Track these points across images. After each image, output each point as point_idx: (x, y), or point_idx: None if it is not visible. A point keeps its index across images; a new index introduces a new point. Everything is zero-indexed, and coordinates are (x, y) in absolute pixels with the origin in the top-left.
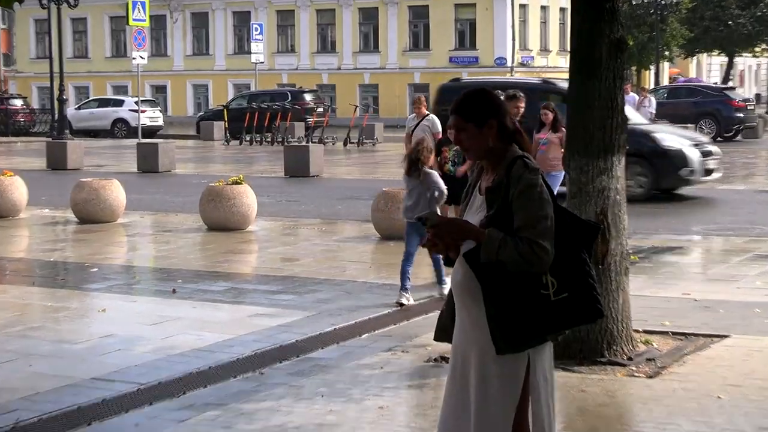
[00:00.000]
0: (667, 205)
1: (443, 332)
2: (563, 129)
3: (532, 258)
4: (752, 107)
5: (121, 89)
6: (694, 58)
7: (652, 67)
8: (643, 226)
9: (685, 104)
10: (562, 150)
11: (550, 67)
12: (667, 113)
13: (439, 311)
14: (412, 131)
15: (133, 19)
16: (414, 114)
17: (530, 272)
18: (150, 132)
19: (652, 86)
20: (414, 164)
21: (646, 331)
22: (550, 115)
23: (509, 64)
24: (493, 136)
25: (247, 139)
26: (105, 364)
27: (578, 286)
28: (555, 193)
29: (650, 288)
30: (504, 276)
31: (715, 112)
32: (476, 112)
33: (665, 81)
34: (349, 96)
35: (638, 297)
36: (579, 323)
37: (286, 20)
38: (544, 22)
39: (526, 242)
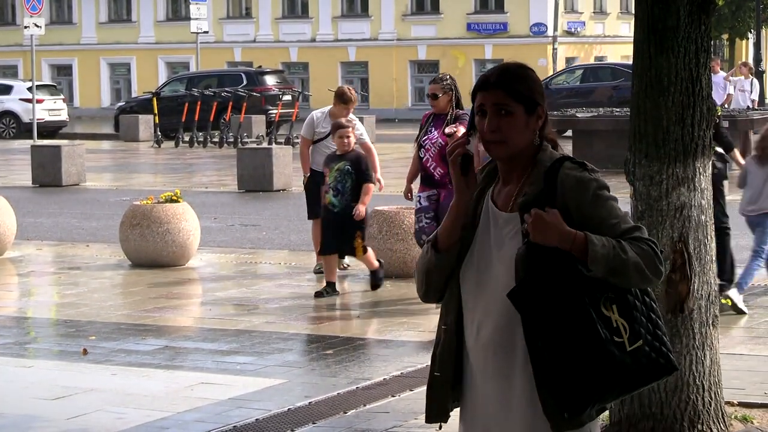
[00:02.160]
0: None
1: (442, 410)
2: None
3: (657, 265)
4: None
5: (8, 70)
6: None
7: (751, 36)
8: (736, 255)
9: None
10: None
11: (608, 36)
12: None
13: (427, 381)
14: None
15: None
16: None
17: (591, 317)
18: (50, 130)
19: (751, 62)
20: None
21: (743, 404)
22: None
23: (550, 32)
24: (537, 130)
25: (186, 139)
26: None
27: (647, 329)
28: None
29: (748, 344)
30: (561, 322)
31: None
32: (528, 91)
33: None
34: (328, 79)
35: (732, 356)
36: (650, 381)
37: None
38: None
39: (644, 244)
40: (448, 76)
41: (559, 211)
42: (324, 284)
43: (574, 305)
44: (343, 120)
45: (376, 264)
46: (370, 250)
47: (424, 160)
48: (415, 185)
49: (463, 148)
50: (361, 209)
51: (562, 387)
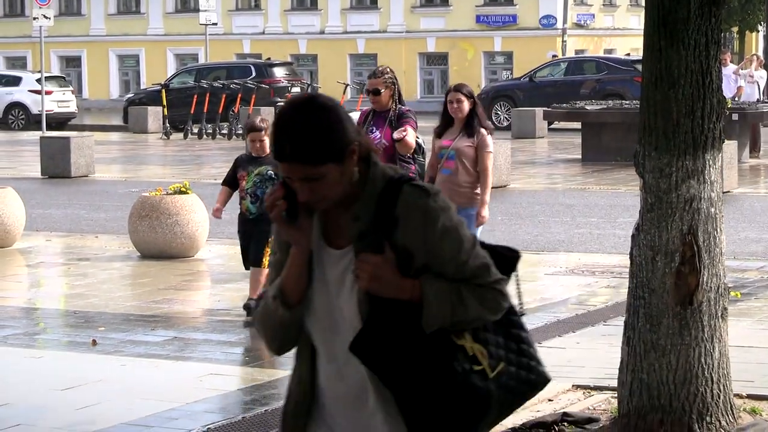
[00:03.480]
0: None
1: None
2: (487, 129)
3: (500, 310)
4: None
5: (17, 62)
6: None
7: (761, 28)
8: (745, 248)
9: None
10: (485, 171)
11: (617, 29)
12: None
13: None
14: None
15: None
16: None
17: (444, 351)
18: (59, 122)
19: (762, 54)
20: None
21: (752, 396)
22: (465, 106)
23: (560, 25)
24: (356, 163)
25: (195, 131)
26: None
27: (509, 348)
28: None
29: (758, 336)
30: (413, 367)
31: None
32: (331, 146)
33: None
34: (337, 71)
35: (741, 349)
36: (524, 400)
37: None
38: None
39: (489, 291)
40: (389, 69)
41: (400, 246)
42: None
43: (421, 346)
44: (256, 121)
45: (260, 292)
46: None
47: None
48: None
49: (284, 202)
50: None
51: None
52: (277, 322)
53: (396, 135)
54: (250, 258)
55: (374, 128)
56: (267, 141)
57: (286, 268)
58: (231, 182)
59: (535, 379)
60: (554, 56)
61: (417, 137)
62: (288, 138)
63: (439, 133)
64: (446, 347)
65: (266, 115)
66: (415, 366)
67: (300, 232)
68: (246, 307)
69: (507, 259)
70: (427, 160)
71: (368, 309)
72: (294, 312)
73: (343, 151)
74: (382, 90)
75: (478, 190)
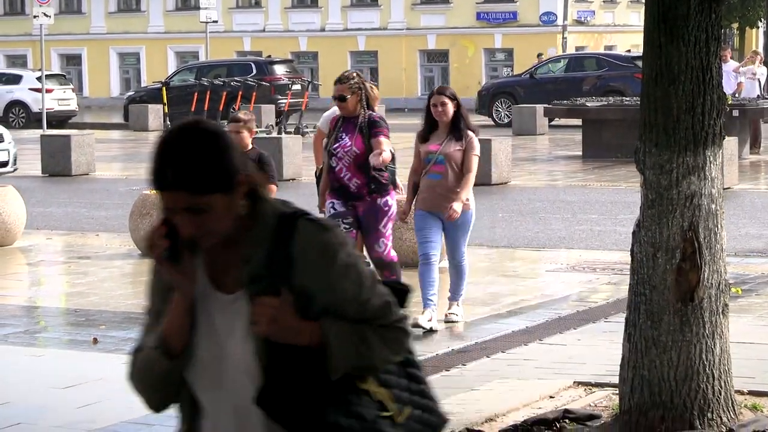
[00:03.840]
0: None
1: None
2: (473, 133)
3: (405, 351)
4: None
5: (17, 60)
6: None
7: (761, 25)
8: (745, 244)
9: None
10: (470, 173)
11: (617, 26)
12: None
13: None
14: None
15: None
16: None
17: (351, 398)
18: (59, 120)
19: (762, 51)
20: None
21: (753, 393)
22: (450, 108)
23: (560, 21)
24: (243, 196)
25: None
26: None
27: (411, 389)
28: (464, 246)
29: (759, 333)
30: (323, 414)
31: None
32: (219, 174)
33: None
34: (338, 68)
35: (742, 345)
36: None
37: None
38: None
39: (393, 331)
40: (355, 75)
41: (298, 288)
42: None
43: (327, 393)
44: (241, 114)
45: None
46: None
47: (336, 169)
48: None
49: (166, 240)
50: None
51: None
52: (157, 375)
53: (373, 161)
54: None
55: (344, 135)
56: (245, 134)
57: (169, 314)
58: None
59: (436, 422)
60: (540, 56)
61: (390, 147)
62: (171, 163)
63: (423, 137)
64: (352, 393)
65: (268, 113)
66: (322, 415)
67: (184, 274)
68: None
69: (398, 293)
70: (410, 165)
71: (267, 357)
72: (177, 363)
73: (232, 181)
74: (348, 96)
75: (470, 196)
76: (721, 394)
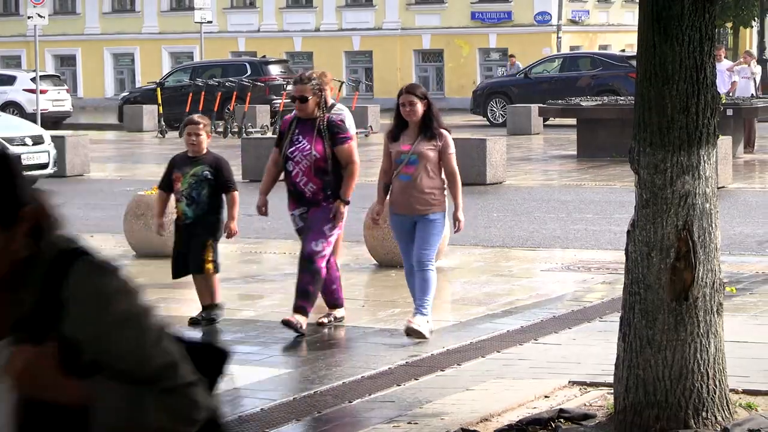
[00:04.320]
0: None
1: None
2: (445, 132)
3: (190, 420)
4: None
5: (11, 61)
6: None
7: (755, 24)
8: (740, 243)
9: None
10: (455, 174)
11: (612, 25)
12: None
13: None
14: None
15: None
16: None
17: None
18: (54, 121)
19: (755, 50)
20: None
21: (747, 392)
22: (419, 108)
23: (555, 21)
24: (27, 232)
25: None
26: None
27: None
28: (433, 252)
29: (753, 331)
30: None
31: None
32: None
33: None
34: (333, 68)
35: (736, 344)
36: None
37: None
38: None
39: (176, 397)
40: (315, 75)
41: (67, 336)
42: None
43: None
44: (197, 116)
45: (219, 298)
46: (216, 279)
47: (293, 174)
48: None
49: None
50: (233, 227)
51: None
52: None
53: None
54: (190, 265)
55: (300, 137)
56: (204, 137)
57: None
58: (166, 185)
59: None
60: (512, 57)
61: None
62: None
63: (393, 137)
64: None
65: (263, 113)
66: None
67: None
68: (193, 321)
69: (213, 357)
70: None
71: (23, 416)
72: None
73: (11, 215)
74: (310, 97)
75: (442, 195)
76: (715, 393)
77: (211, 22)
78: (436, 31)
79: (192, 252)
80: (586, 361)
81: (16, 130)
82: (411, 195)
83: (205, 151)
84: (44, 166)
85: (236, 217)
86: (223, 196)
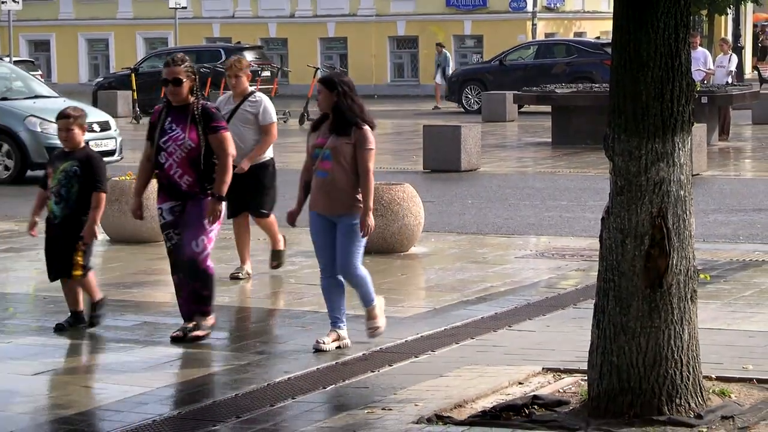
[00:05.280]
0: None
1: None
2: (365, 126)
3: None
4: None
5: None
6: None
7: (730, 12)
8: (714, 231)
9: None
10: (368, 173)
11: (587, 12)
12: None
13: None
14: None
15: None
16: (229, 92)
17: None
18: None
19: (730, 37)
20: None
21: (721, 378)
22: (327, 98)
23: (530, 8)
24: None
25: None
26: None
27: None
28: (358, 257)
29: (726, 319)
30: None
31: None
32: None
33: (748, 30)
34: (308, 55)
35: (710, 331)
36: None
37: None
38: None
39: None
40: (187, 58)
41: None
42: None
43: None
44: (70, 109)
45: (99, 294)
46: (92, 275)
47: (166, 166)
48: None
49: None
50: (93, 229)
51: None
52: None
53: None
54: (57, 268)
55: (174, 125)
56: (76, 131)
57: None
58: (44, 182)
59: None
60: (439, 45)
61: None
62: None
63: (314, 126)
64: None
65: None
66: None
67: None
68: (59, 327)
69: None
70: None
71: None
72: None
73: None
74: (184, 80)
75: (360, 196)
76: (689, 380)
77: (185, 7)
78: (411, 17)
79: (59, 254)
80: (560, 347)
81: None
82: (329, 193)
83: (81, 145)
84: (111, 153)
85: (97, 221)
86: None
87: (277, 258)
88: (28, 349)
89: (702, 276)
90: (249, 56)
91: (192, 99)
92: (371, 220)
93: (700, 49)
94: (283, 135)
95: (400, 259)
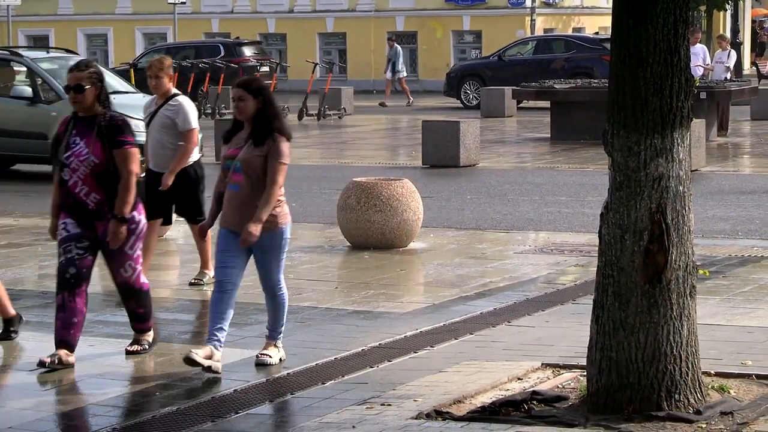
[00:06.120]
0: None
1: None
2: (282, 135)
3: None
4: None
5: None
6: None
7: (729, 7)
8: (713, 226)
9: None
10: (274, 185)
11: (586, 8)
12: None
13: None
14: (148, 124)
15: None
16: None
17: None
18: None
19: (728, 33)
20: None
21: (720, 374)
22: (250, 105)
23: (528, 4)
24: None
25: None
26: None
27: None
28: (280, 273)
29: (725, 314)
30: None
31: None
32: None
33: (746, 26)
34: (306, 50)
35: (709, 327)
36: None
37: None
38: None
39: None
40: (94, 63)
41: None
42: None
43: None
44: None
45: (12, 311)
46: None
47: (70, 184)
48: None
49: None
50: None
51: None
52: None
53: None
54: None
55: (78, 139)
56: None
57: None
58: None
59: None
60: (390, 40)
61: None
62: None
63: (226, 138)
64: None
65: None
66: None
67: None
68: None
69: None
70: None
71: None
72: None
73: None
74: (87, 86)
75: (279, 207)
76: (688, 376)
77: (184, 3)
78: (410, 13)
79: None
80: (559, 343)
81: None
82: (239, 208)
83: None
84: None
85: None
86: None
87: (200, 278)
88: (26, 344)
89: (701, 272)
90: (248, 51)
91: (99, 109)
92: (256, 231)
93: (699, 44)
94: None
95: (399, 255)
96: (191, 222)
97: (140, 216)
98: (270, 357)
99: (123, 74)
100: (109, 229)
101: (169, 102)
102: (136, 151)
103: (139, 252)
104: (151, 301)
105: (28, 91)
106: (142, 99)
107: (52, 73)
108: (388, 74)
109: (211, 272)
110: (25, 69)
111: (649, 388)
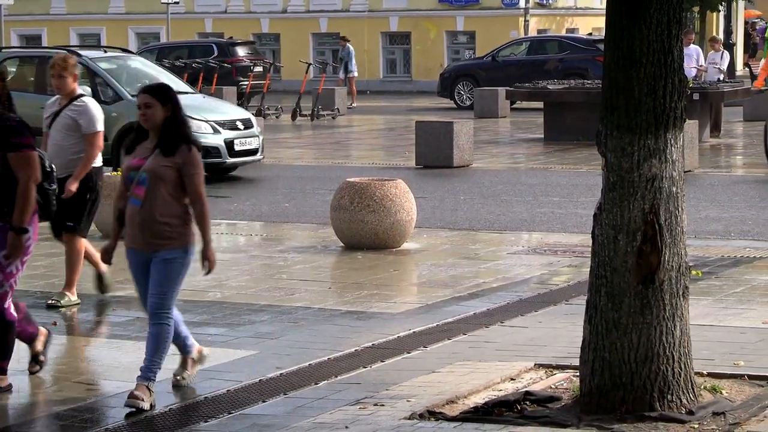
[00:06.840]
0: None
1: None
2: (191, 146)
3: None
4: None
5: None
6: None
7: (722, 8)
8: (705, 227)
9: None
10: (199, 197)
11: (579, 9)
12: None
13: None
14: (49, 125)
15: None
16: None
17: None
18: None
19: (721, 34)
20: None
21: (712, 375)
22: (158, 112)
23: (522, 4)
24: None
25: None
26: None
27: None
28: (172, 299)
29: (718, 315)
30: None
31: None
32: None
33: (739, 27)
34: (300, 50)
35: (702, 328)
36: None
37: None
38: None
39: None
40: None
41: None
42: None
43: None
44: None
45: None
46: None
47: None
48: None
49: None
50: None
51: None
52: None
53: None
54: None
55: None
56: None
57: None
58: None
59: None
60: (342, 39)
61: (41, 158)
62: None
63: (129, 147)
64: None
65: (230, 95)
66: None
67: None
68: None
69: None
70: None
71: None
72: None
73: None
74: None
75: (184, 227)
76: (681, 376)
77: (177, 2)
78: (404, 13)
79: None
80: (552, 343)
81: (225, 113)
82: (142, 224)
83: None
84: (254, 152)
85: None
86: None
87: (101, 282)
88: (20, 344)
89: (694, 272)
90: (241, 51)
91: None
92: (214, 255)
93: (692, 45)
94: (275, 131)
95: (392, 255)
96: (62, 227)
97: (33, 227)
98: (142, 401)
99: None
100: (8, 242)
101: (74, 102)
102: (34, 154)
103: (16, 271)
104: (13, 336)
105: (87, 91)
106: (202, 99)
107: (111, 72)
108: (341, 74)
109: (74, 296)
110: (83, 69)
111: (641, 388)
